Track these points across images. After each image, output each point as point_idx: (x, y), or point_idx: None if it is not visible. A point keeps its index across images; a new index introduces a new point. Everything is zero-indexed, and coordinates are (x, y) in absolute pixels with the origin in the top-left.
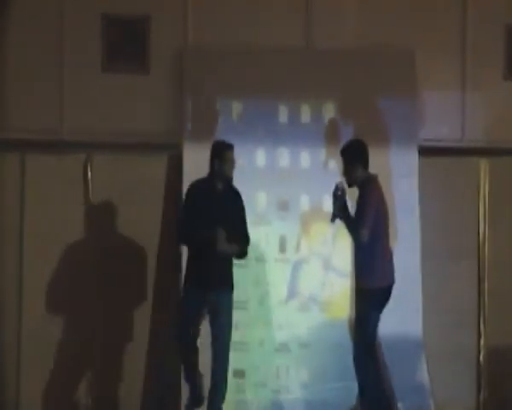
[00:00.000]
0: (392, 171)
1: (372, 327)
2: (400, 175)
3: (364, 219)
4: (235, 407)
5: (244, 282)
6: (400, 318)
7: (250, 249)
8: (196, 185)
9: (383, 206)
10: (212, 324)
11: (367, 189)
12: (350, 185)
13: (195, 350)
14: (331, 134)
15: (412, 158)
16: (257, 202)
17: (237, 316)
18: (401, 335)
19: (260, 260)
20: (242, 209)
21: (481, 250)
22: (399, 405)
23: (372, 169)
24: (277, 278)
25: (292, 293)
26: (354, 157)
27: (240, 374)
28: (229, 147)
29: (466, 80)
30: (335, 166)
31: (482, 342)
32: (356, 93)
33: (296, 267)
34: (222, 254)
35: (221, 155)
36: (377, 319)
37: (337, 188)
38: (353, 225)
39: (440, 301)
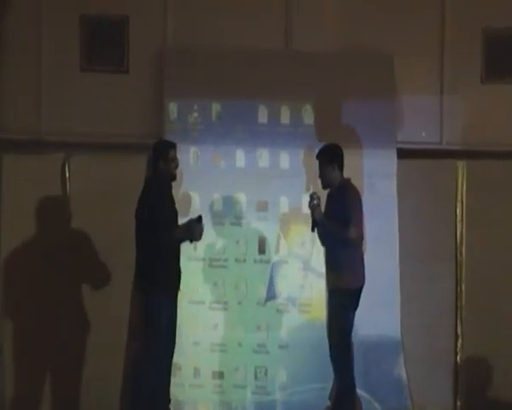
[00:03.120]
0: (370, 173)
1: (350, 326)
2: (379, 177)
3: (351, 216)
4: (214, 408)
5: (223, 283)
6: (378, 319)
7: (229, 250)
8: (159, 182)
9: (361, 206)
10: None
11: (346, 190)
12: (324, 188)
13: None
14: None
15: (391, 160)
16: (236, 203)
17: (216, 317)
18: (379, 336)
19: (239, 260)
20: None
21: (459, 252)
22: (378, 406)
23: (350, 171)
24: (256, 278)
25: (271, 294)
26: (331, 160)
27: (219, 375)
28: (173, 146)
29: (444, 83)
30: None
31: (459, 344)
32: (335, 96)
33: (275, 268)
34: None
35: (165, 154)
36: (354, 318)
37: (312, 198)
38: (339, 225)
39: (417, 302)
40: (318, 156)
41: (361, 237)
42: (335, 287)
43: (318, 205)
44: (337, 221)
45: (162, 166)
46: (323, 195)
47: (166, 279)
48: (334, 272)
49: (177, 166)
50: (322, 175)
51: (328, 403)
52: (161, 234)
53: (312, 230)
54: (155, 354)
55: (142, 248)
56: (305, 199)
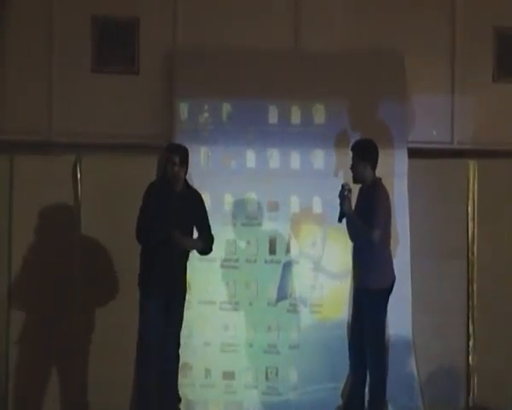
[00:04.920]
0: (381, 172)
1: (384, 326)
2: (390, 177)
3: (377, 219)
4: (225, 408)
5: (234, 283)
6: (389, 318)
7: (240, 250)
8: (154, 186)
9: (390, 207)
10: (165, 323)
11: (377, 189)
12: (355, 182)
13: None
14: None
15: (402, 160)
16: (247, 204)
17: (227, 317)
18: (390, 335)
19: (250, 261)
20: (202, 208)
21: (470, 251)
22: (389, 405)
23: None
24: (267, 279)
25: (282, 294)
26: (363, 157)
27: (230, 376)
28: (170, 149)
29: (455, 83)
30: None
31: (471, 343)
32: (345, 96)
33: (286, 269)
34: (181, 247)
35: (163, 158)
36: (386, 318)
37: (343, 188)
38: (364, 226)
39: (429, 302)
40: (352, 149)
41: (387, 238)
42: (363, 286)
43: (348, 197)
44: (364, 219)
45: (161, 170)
46: (356, 188)
47: (148, 280)
48: (362, 271)
49: (177, 170)
50: (353, 169)
51: (340, 402)
52: (141, 234)
53: (339, 220)
54: (143, 355)
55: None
56: (316, 200)
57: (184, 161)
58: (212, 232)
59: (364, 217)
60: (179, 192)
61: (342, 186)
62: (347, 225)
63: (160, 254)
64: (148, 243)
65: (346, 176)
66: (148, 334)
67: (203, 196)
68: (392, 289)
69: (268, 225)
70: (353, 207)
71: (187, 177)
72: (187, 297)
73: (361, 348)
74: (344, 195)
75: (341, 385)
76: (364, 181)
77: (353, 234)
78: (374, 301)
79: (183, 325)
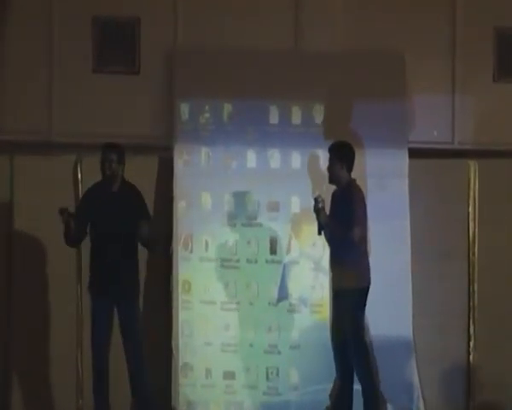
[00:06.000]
0: (382, 173)
1: (363, 326)
2: (390, 177)
3: (355, 217)
4: (226, 408)
5: (235, 283)
6: (390, 319)
7: (241, 250)
8: (90, 188)
9: (366, 208)
10: (122, 333)
11: (352, 189)
12: (331, 183)
13: (106, 361)
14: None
15: (402, 160)
16: (248, 204)
17: (228, 318)
18: (391, 336)
19: (251, 261)
20: (141, 203)
21: (471, 251)
22: (389, 406)
23: (362, 171)
24: (268, 279)
25: (282, 294)
26: (340, 159)
27: (230, 376)
28: (112, 147)
29: (456, 83)
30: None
31: (472, 344)
32: (346, 95)
33: (287, 269)
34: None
35: (104, 155)
36: (364, 318)
37: (317, 201)
38: (342, 227)
39: (429, 302)
40: (330, 150)
41: (364, 238)
42: (341, 287)
43: (323, 208)
44: (341, 222)
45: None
46: (329, 194)
47: (95, 282)
48: (340, 273)
49: (115, 168)
50: (330, 170)
51: (329, 403)
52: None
53: (319, 233)
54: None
55: None
56: None
57: (122, 159)
58: (213, 232)
59: (341, 218)
60: (117, 192)
61: (315, 199)
62: (325, 235)
63: (108, 255)
64: (71, 242)
65: None
66: (97, 340)
67: (203, 195)
68: (368, 288)
69: (268, 226)
70: (328, 212)
71: (189, 176)
72: (187, 297)
73: (343, 349)
74: (318, 207)
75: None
76: (339, 182)
77: (332, 240)
78: (352, 301)
79: (184, 326)
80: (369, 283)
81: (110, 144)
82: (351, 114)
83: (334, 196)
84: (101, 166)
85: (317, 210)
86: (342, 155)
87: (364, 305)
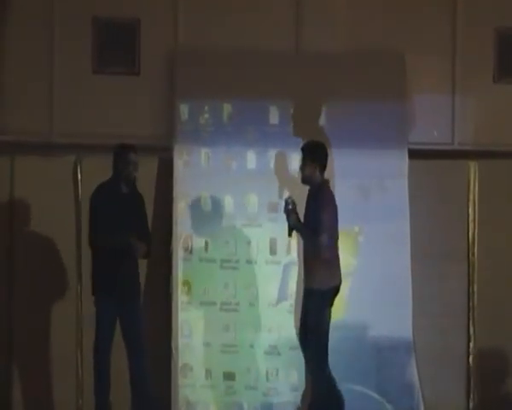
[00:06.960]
0: (382, 173)
1: (327, 326)
2: (390, 178)
3: (323, 223)
4: (226, 409)
5: (234, 284)
6: (390, 320)
7: (241, 251)
8: (101, 189)
9: (336, 209)
10: (125, 334)
11: (323, 192)
12: (303, 183)
13: (108, 362)
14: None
15: (402, 161)
16: (247, 205)
17: (228, 318)
18: (391, 337)
19: (251, 262)
20: (144, 211)
21: (471, 252)
22: (389, 407)
23: (363, 172)
24: (268, 280)
25: (282, 295)
26: (313, 159)
27: (230, 376)
28: (132, 148)
29: (456, 83)
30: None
31: (472, 344)
32: (346, 96)
33: (286, 269)
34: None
35: (124, 157)
36: (329, 318)
37: (287, 203)
38: (311, 232)
39: (429, 303)
40: (303, 150)
41: (335, 241)
42: (311, 287)
43: (293, 210)
44: (312, 223)
45: (121, 169)
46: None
47: (101, 286)
48: (310, 272)
49: (136, 169)
50: (302, 170)
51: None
52: (97, 238)
53: (289, 235)
54: (96, 368)
55: None
56: None
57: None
58: (213, 233)
59: (313, 219)
60: (128, 194)
61: (285, 201)
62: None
63: (116, 259)
64: (105, 245)
65: (346, 176)
66: (101, 343)
67: (203, 196)
68: (338, 291)
69: (268, 226)
70: (304, 210)
71: (189, 177)
72: (187, 298)
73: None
74: (288, 209)
75: (342, 386)
76: (312, 182)
77: (304, 241)
78: (318, 301)
79: (183, 326)
80: (339, 282)
81: (128, 146)
82: (350, 114)
83: (309, 194)
84: (119, 165)
85: (287, 211)
86: (315, 155)
87: (330, 306)
